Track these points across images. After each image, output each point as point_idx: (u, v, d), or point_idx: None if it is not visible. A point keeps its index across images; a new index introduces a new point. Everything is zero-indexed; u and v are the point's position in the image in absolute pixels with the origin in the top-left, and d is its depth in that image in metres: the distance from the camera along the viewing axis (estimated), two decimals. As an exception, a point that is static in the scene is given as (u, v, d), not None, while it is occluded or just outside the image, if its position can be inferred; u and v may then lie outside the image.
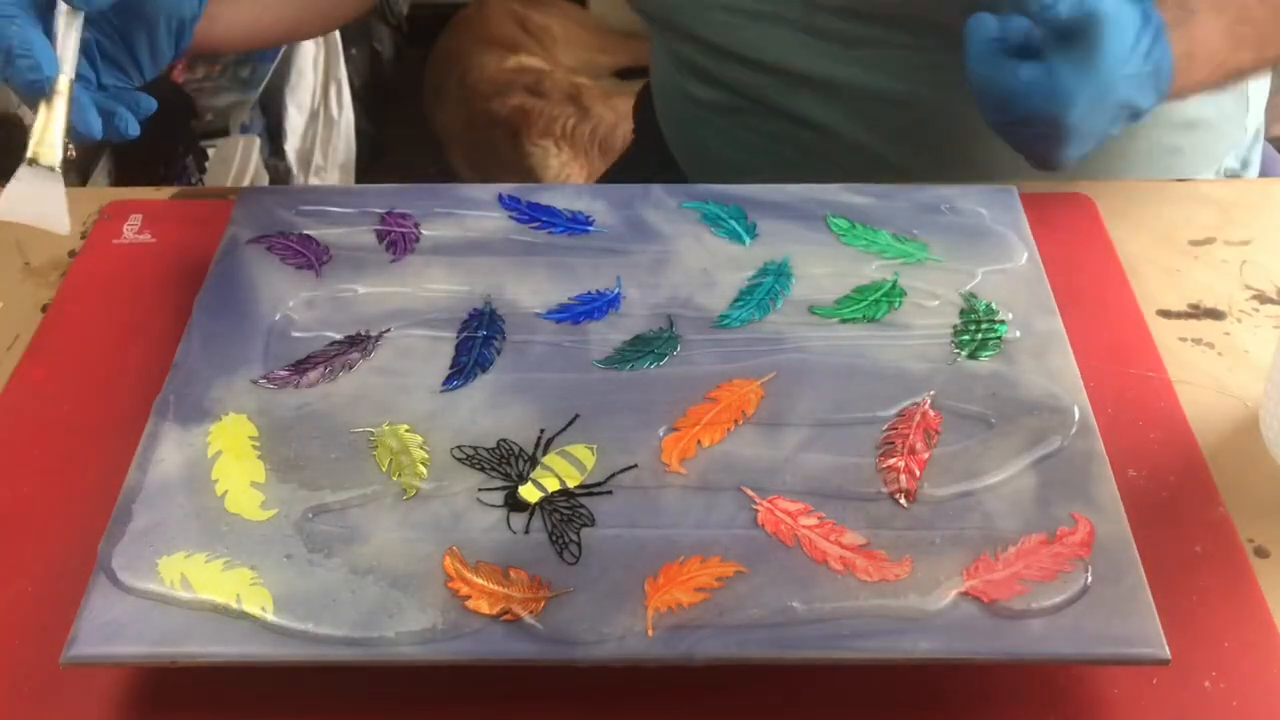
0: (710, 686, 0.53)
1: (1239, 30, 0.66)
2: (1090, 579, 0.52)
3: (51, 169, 0.61)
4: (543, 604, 0.52)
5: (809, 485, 0.56)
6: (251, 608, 0.51)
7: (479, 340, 0.63)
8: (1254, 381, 0.67)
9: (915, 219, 0.70)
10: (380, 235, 0.70)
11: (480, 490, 0.56)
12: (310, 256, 0.68)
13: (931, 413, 0.60)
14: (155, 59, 0.67)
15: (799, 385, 0.61)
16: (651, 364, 0.62)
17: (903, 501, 0.55)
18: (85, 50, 0.63)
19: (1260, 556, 0.58)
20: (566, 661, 0.50)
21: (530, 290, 0.66)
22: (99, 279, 0.73)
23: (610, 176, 1.12)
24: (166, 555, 0.53)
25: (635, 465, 0.57)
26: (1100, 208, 0.77)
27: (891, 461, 0.57)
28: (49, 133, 0.61)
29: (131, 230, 0.76)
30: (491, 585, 0.52)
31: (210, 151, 1.73)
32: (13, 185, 0.61)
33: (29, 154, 0.61)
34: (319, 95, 1.91)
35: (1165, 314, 0.71)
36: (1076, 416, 0.59)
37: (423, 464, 0.57)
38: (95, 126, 0.62)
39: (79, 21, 0.62)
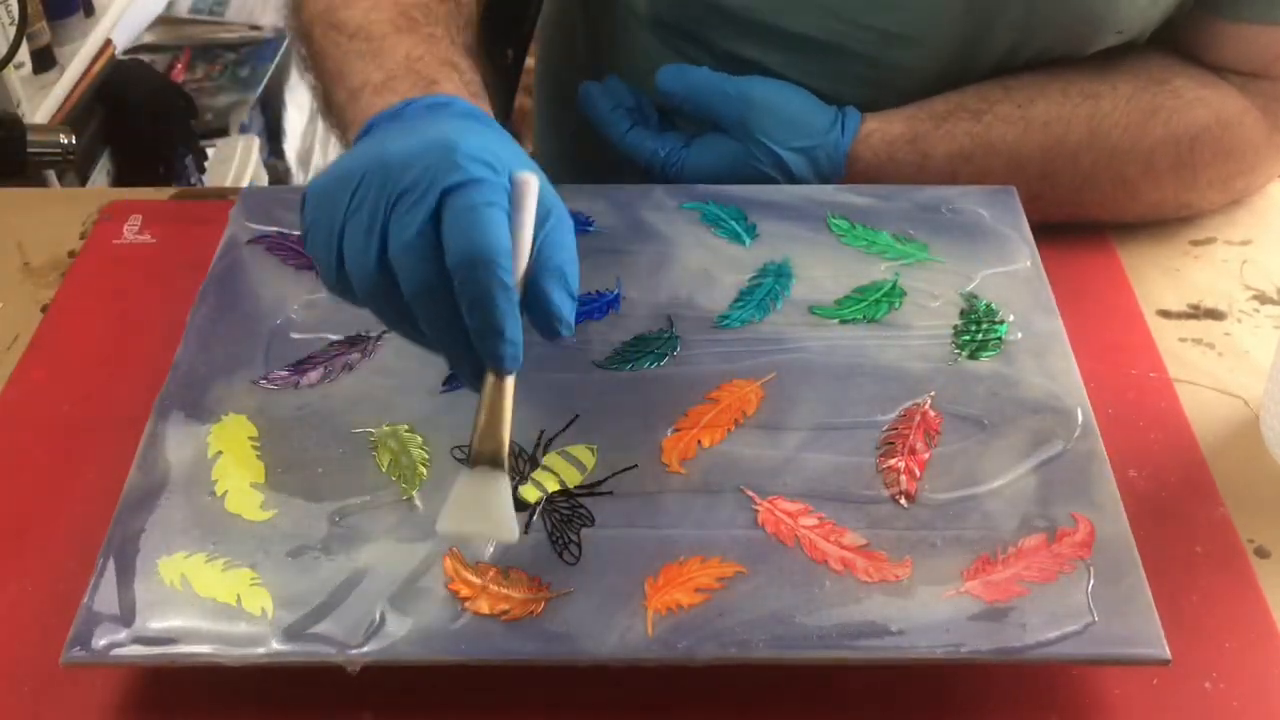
0: (710, 686, 0.53)
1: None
2: (1090, 580, 0.52)
3: (498, 467, 0.50)
4: (543, 604, 0.52)
5: (809, 486, 0.56)
6: (251, 608, 0.51)
7: (479, 340, 0.63)
8: (1254, 381, 0.67)
9: (915, 219, 0.70)
10: (380, 235, 0.70)
11: (480, 490, 0.56)
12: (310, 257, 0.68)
13: (932, 413, 0.60)
14: None
15: (799, 386, 0.61)
16: (651, 364, 0.62)
17: (902, 502, 0.55)
18: None
19: (1260, 556, 0.58)
20: (566, 662, 0.50)
21: (530, 290, 0.66)
22: (99, 279, 0.73)
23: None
24: (166, 555, 0.53)
25: (635, 465, 0.57)
26: (1100, 208, 0.77)
27: (892, 462, 0.57)
28: (500, 427, 0.51)
29: (131, 230, 0.76)
30: (491, 585, 0.52)
31: (210, 151, 1.73)
32: (456, 495, 0.51)
33: (471, 456, 0.51)
34: (319, 95, 1.91)
35: (1165, 314, 0.71)
36: (1079, 419, 0.59)
37: (423, 464, 0.57)
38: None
39: None
